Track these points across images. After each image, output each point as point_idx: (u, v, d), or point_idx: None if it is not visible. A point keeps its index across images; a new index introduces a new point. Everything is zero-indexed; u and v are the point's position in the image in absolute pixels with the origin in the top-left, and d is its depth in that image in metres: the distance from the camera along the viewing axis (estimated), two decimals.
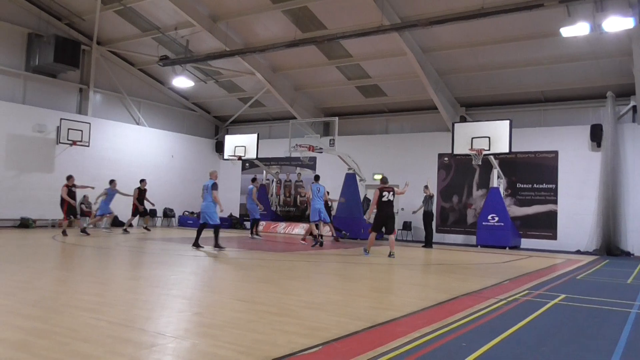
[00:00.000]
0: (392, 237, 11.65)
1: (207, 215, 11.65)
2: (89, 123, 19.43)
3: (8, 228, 16.79)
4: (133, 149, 21.60)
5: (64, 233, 14.52)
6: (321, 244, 13.87)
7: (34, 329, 4.16)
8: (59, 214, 15.62)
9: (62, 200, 14.63)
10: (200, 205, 12.01)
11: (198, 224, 12.25)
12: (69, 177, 14.89)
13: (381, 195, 11.42)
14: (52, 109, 18.91)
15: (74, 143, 18.80)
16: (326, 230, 16.57)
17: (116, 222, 20.39)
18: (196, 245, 11.82)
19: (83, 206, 19.55)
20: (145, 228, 18.01)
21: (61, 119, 18.63)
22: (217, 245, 11.62)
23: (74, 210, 14.95)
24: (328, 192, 16.45)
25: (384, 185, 11.70)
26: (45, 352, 3.53)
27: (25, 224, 17.52)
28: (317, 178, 15.37)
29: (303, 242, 14.92)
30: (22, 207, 17.61)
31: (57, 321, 4.46)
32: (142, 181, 17.62)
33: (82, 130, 19.02)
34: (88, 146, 19.30)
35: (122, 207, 18.69)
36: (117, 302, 5.45)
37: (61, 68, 18.78)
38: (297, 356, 3.63)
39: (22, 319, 4.50)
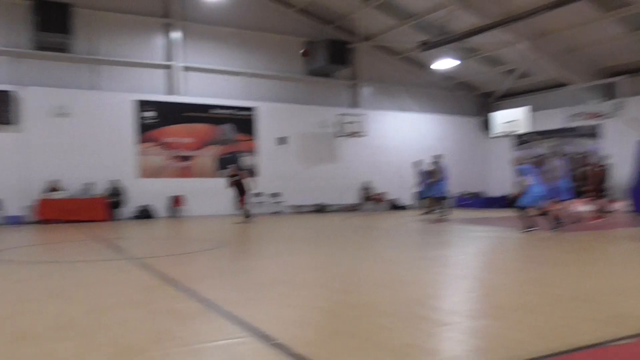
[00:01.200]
0: None
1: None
2: (364, 114, 21.17)
3: (308, 213, 19.61)
4: (404, 134, 22.72)
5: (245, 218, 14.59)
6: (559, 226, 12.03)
7: (341, 301, 4.74)
8: (346, 199, 16.83)
9: None
10: (532, 189, 11.35)
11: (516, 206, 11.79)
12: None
13: None
14: (329, 106, 21.26)
15: (352, 135, 20.76)
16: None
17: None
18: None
19: (367, 190, 21.41)
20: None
21: (339, 114, 20.79)
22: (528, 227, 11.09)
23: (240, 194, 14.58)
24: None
25: None
26: (355, 321, 4.00)
27: (320, 209, 20.25)
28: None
29: (597, 220, 13.41)
30: (317, 195, 20.33)
31: (359, 295, 4.99)
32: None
33: (358, 122, 20.87)
34: (365, 136, 21.04)
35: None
36: (410, 281, 5.78)
37: (334, 68, 20.93)
38: (606, 346, 3.30)
39: (330, 291, 5.17)
